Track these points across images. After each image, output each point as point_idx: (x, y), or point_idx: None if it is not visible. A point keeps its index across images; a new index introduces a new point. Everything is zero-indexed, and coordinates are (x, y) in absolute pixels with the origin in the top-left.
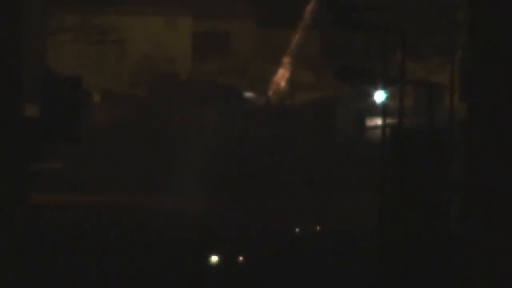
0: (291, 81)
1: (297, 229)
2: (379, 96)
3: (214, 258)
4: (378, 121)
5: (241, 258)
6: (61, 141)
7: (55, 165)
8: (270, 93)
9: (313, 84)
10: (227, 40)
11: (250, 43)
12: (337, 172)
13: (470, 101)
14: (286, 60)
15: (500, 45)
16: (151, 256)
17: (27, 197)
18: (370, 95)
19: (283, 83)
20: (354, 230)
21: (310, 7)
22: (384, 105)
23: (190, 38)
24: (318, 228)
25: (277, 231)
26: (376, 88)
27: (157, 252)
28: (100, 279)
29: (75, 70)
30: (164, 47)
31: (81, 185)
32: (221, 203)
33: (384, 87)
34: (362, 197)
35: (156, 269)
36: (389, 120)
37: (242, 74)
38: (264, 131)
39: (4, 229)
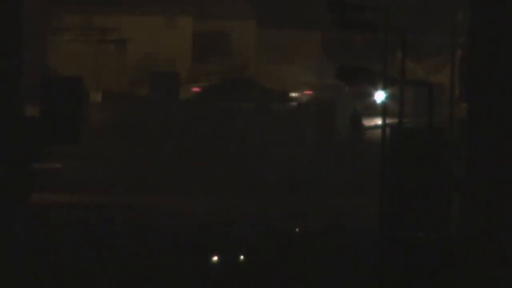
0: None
1: (296, 229)
2: (379, 96)
3: (214, 258)
4: (378, 121)
5: (241, 257)
6: (61, 141)
7: (55, 165)
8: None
9: (313, 84)
10: (227, 40)
11: (250, 43)
12: (337, 171)
13: (470, 101)
14: None
15: (500, 45)
16: (152, 256)
17: (27, 197)
18: (370, 95)
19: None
20: (354, 229)
21: None
22: (384, 105)
23: (190, 38)
24: (317, 227)
25: (276, 230)
26: (376, 88)
27: (158, 252)
28: (100, 279)
29: (75, 70)
30: (164, 47)
31: (81, 185)
32: (221, 203)
33: (384, 87)
34: (362, 197)
35: (157, 269)
36: (389, 120)
37: (242, 74)
38: (263, 131)
39: (4, 229)
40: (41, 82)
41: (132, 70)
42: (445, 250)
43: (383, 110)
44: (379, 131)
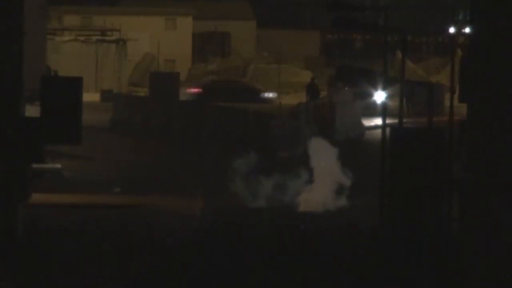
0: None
1: (302, 226)
2: (379, 96)
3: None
4: (378, 121)
5: (241, 257)
6: (61, 142)
7: (55, 165)
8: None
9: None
10: (227, 40)
11: (250, 43)
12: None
13: (470, 101)
14: None
15: (500, 45)
16: (152, 256)
17: (27, 197)
18: (370, 95)
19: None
20: (354, 228)
21: None
22: (384, 105)
23: (190, 38)
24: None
25: (279, 227)
26: (376, 88)
27: (158, 253)
28: (100, 279)
29: (75, 70)
30: (164, 47)
31: (81, 185)
32: (222, 203)
33: (384, 87)
34: (362, 197)
35: (157, 270)
36: (389, 120)
37: (242, 74)
38: (263, 131)
39: (4, 229)
40: (41, 82)
41: (132, 70)
42: (445, 250)
43: (383, 110)
44: (379, 131)
